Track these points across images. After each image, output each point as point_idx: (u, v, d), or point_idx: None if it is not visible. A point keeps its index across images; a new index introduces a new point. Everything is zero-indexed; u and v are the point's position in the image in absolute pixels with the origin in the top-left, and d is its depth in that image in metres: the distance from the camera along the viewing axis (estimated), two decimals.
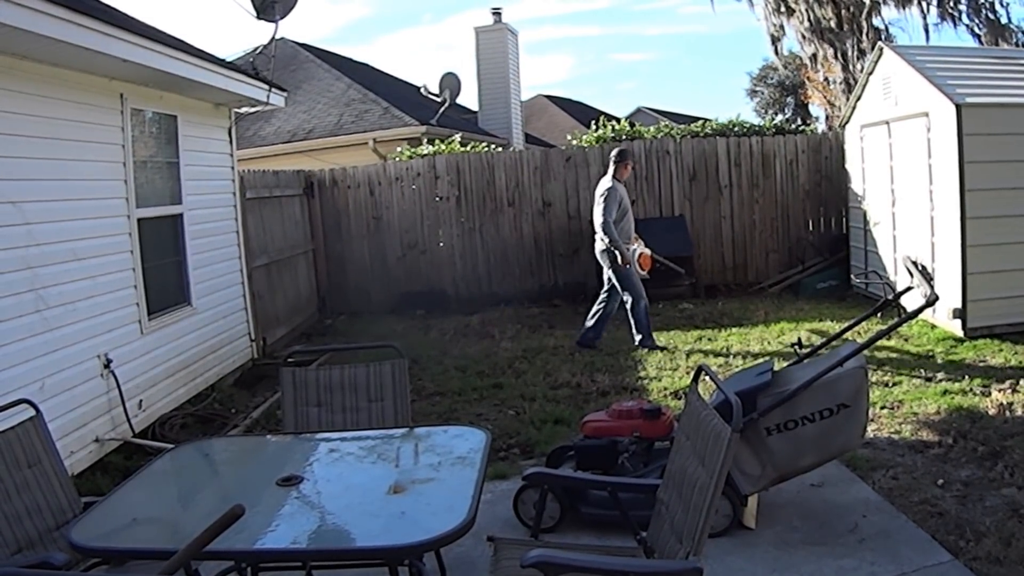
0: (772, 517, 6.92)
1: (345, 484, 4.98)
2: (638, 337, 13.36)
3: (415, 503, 4.62)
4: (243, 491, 4.88)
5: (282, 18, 13.86)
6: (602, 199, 13.05)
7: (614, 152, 13.44)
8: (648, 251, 13.64)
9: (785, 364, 7.77)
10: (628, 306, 13.25)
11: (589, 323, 13.64)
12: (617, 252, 12.91)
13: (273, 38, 14.27)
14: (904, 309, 8.97)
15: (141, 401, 10.29)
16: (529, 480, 5.28)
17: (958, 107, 12.71)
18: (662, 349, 13.13)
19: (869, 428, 8.73)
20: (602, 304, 13.62)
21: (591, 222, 13.66)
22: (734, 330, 14.45)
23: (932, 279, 7.69)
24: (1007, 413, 9.46)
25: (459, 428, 6.25)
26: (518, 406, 10.45)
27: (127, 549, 4.40)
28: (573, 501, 6.79)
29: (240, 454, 5.97)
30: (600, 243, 13.23)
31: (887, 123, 15.30)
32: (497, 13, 31.32)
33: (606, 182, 13.26)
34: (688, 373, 11.60)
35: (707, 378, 4.97)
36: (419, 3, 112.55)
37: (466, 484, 4.57)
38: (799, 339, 7.93)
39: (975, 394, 10.24)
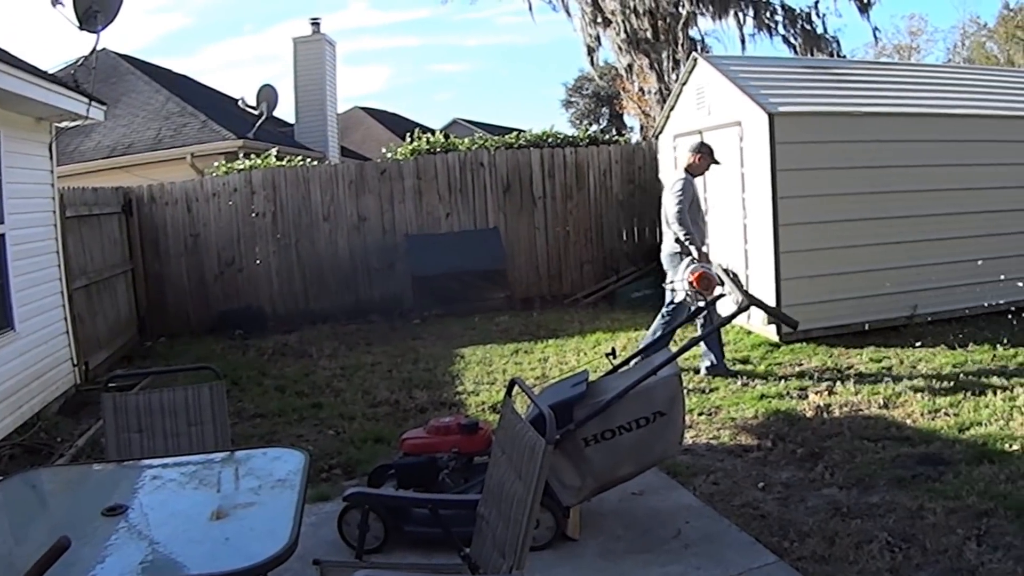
0: (596, 527, 6.92)
1: (169, 511, 4.84)
2: (710, 358, 11.87)
3: (238, 528, 4.52)
4: (71, 523, 4.70)
5: (104, 28, 13.53)
6: (677, 191, 11.69)
7: (694, 143, 12.40)
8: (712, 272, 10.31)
9: (601, 374, 7.80)
10: (665, 316, 11.95)
11: (708, 354, 11.90)
12: (694, 249, 11.46)
13: (95, 49, 13.93)
14: (718, 316, 9.10)
15: None
16: (350, 500, 5.25)
17: (771, 116, 12.97)
18: (734, 375, 11.81)
19: (687, 435, 8.84)
20: (698, 326, 11.98)
21: (665, 217, 12.08)
22: (550, 342, 14.48)
23: (742, 285, 7.79)
24: (824, 415, 9.70)
25: (278, 450, 6.12)
26: (338, 425, 10.31)
27: None
28: (397, 520, 6.67)
29: (66, 485, 5.75)
30: (667, 243, 12.08)
31: (700, 133, 15.47)
32: (316, 23, 31.03)
33: (679, 174, 12.08)
34: (505, 387, 11.54)
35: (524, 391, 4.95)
36: (240, 13, 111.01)
37: (287, 507, 4.48)
38: (612, 349, 7.97)
39: (792, 397, 10.47)
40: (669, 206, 11.75)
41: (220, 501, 4.94)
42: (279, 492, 4.90)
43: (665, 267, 12.08)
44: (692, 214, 11.64)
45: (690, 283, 9.98)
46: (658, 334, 11.59)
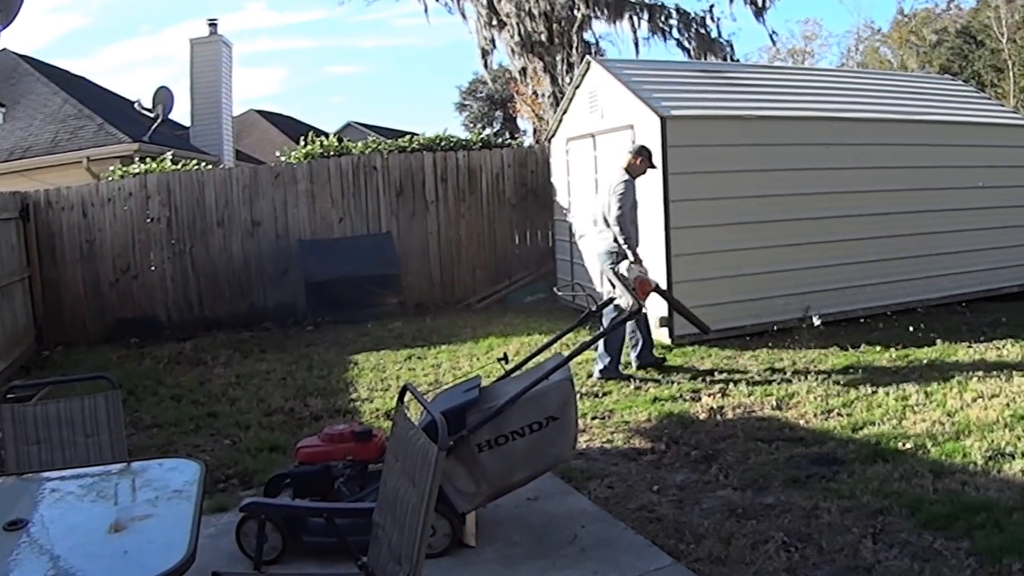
0: (492, 534, 6.92)
1: (69, 525, 4.77)
2: (605, 361, 11.92)
3: (136, 541, 4.46)
4: None
5: (5, 28, 13.33)
6: (619, 192, 11.67)
7: (634, 145, 12.40)
8: (652, 280, 11.24)
9: (494, 380, 7.81)
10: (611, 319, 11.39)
11: (603, 357, 11.91)
12: (630, 252, 11.49)
13: None
14: (609, 320, 9.15)
15: None
16: (247, 511, 5.21)
17: (663, 119, 13.11)
18: (627, 378, 11.83)
19: (581, 439, 8.95)
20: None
21: (605, 219, 11.97)
22: (444, 347, 14.44)
23: (633, 289, 7.83)
24: (717, 417, 9.79)
25: (174, 461, 6.02)
26: (234, 435, 10.18)
27: None
28: (294, 530, 6.61)
29: None
30: (603, 242, 11.96)
31: (593, 136, 15.59)
32: (213, 24, 30.70)
33: (620, 175, 11.92)
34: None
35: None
36: (138, 14, 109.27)
37: (183, 519, 4.44)
38: (505, 354, 7.98)
39: (685, 400, 10.54)
40: (610, 207, 11.73)
41: (118, 514, 4.90)
42: (176, 503, 4.84)
43: (600, 264, 12.10)
44: (631, 215, 11.69)
45: (633, 289, 9.79)
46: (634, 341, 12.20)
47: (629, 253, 11.52)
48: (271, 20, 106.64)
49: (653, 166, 12.17)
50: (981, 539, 6.28)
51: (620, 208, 11.59)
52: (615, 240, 11.68)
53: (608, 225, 11.78)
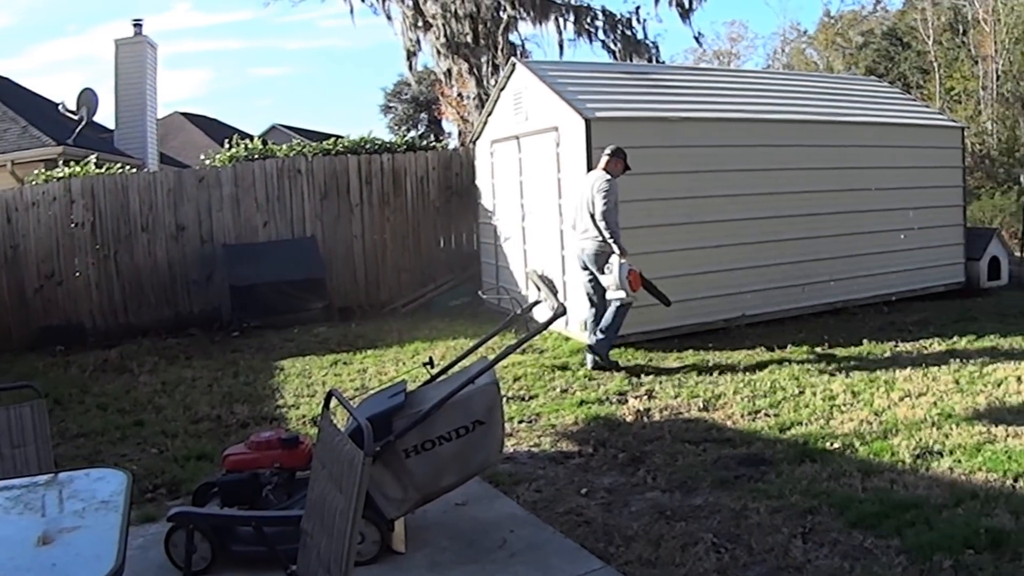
0: (421, 539, 6.89)
1: None
2: (594, 344, 12.40)
3: (64, 554, 4.37)
4: None
5: None
6: (603, 190, 11.92)
7: (610, 147, 12.43)
8: (638, 269, 11.96)
9: (419, 384, 7.81)
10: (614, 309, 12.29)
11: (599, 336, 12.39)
12: (617, 247, 11.79)
13: None
14: (536, 322, 9.17)
15: None
16: (175, 520, 5.16)
17: (587, 121, 13.12)
18: (619, 369, 12.33)
19: (508, 443, 8.94)
20: (598, 308, 12.54)
21: (573, 226, 12.62)
22: (369, 352, 14.36)
23: (557, 291, 7.85)
24: (644, 419, 9.81)
25: (100, 471, 5.93)
26: (161, 443, 10.03)
27: None
28: (223, 539, 6.52)
29: None
30: (591, 242, 12.20)
31: (517, 138, 15.59)
32: (138, 25, 30.05)
33: (603, 175, 12.19)
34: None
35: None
36: (64, 13, 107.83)
37: (111, 530, 4.38)
38: (430, 358, 7.97)
39: (612, 403, 10.59)
40: (596, 206, 11.92)
41: (45, 525, 4.82)
42: (103, 514, 4.77)
43: (589, 264, 12.32)
44: (615, 213, 11.97)
45: (629, 282, 11.53)
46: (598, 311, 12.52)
47: (616, 248, 11.77)
48: (197, 21, 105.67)
49: (629, 167, 12.38)
50: (911, 537, 6.35)
51: (606, 205, 11.82)
52: (601, 238, 11.94)
53: (594, 224, 12.00)
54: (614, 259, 11.82)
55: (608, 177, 12.11)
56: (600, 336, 12.32)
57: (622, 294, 11.82)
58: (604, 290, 12.24)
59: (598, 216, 11.90)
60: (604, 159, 12.32)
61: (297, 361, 13.97)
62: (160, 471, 8.93)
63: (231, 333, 16.65)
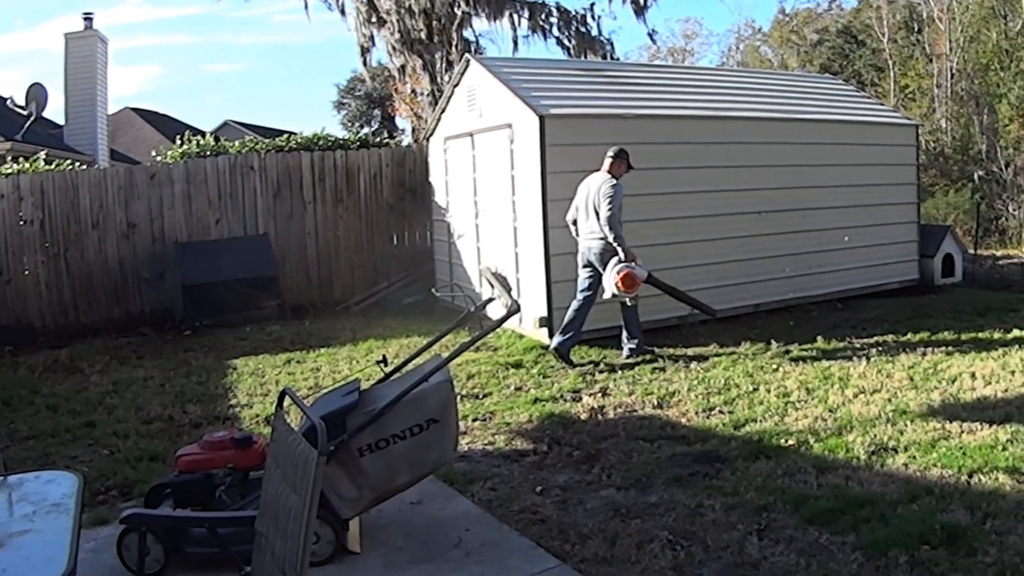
0: (376, 539, 6.88)
1: None
2: (631, 345, 12.84)
3: (15, 558, 4.31)
4: None
5: None
6: (608, 195, 12.26)
7: (613, 149, 12.71)
8: (642, 273, 12.39)
9: (373, 382, 7.77)
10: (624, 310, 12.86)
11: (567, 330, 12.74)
12: (621, 251, 12.19)
13: None
14: (489, 320, 9.15)
15: None
16: (127, 523, 5.12)
17: (541, 118, 13.12)
18: (652, 352, 12.81)
19: (463, 441, 8.95)
20: (580, 304, 12.80)
21: (574, 221, 12.90)
22: (323, 351, 14.31)
23: (511, 288, 7.84)
24: (599, 416, 9.84)
25: (51, 473, 5.86)
26: (112, 444, 9.90)
27: None
28: (176, 541, 6.47)
29: None
30: (597, 242, 12.50)
31: (471, 135, 15.56)
32: (88, 18, 29.77)
33: (607, 178, 12.50)
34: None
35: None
36: (13, 6, 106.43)
37: (62, 533, 4.33)
38: (384, 356, 7.93)
39: (566, 400, 10.60)
40: (601, 211, 12.21)
41: None
42: (54, 518, 4.72)
43: (594, 262, 12.57)
44: (619, 215, 12.27)
45: (616, 284, 11.95)
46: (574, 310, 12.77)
47: (620, 251, 12.11)
48: (148, 15, 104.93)
49: (631, 167, 12.66)
50: (867, 533, 6.40)
51: (610, 210, 12.12)
52: (606, 239, 12.24)
53: (601, 226, 12.26)
54: (613, 260, 12.16)
55: (613, 181, 12.36)
56: (632, 342, 12.75)
57: (609, 294, 12.22)
58: (588, 289, 12.71)
59: (603, 221, 12.18)
60: (607, 161, 12.57)
61: (250, 360, 13.88)
62: (112, 473, 8.84)
63: (183, 332, 16.53)
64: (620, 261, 12.13)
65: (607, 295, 12.34)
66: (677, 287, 13.15)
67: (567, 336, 12.54)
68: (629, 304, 12.59)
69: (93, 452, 9.72)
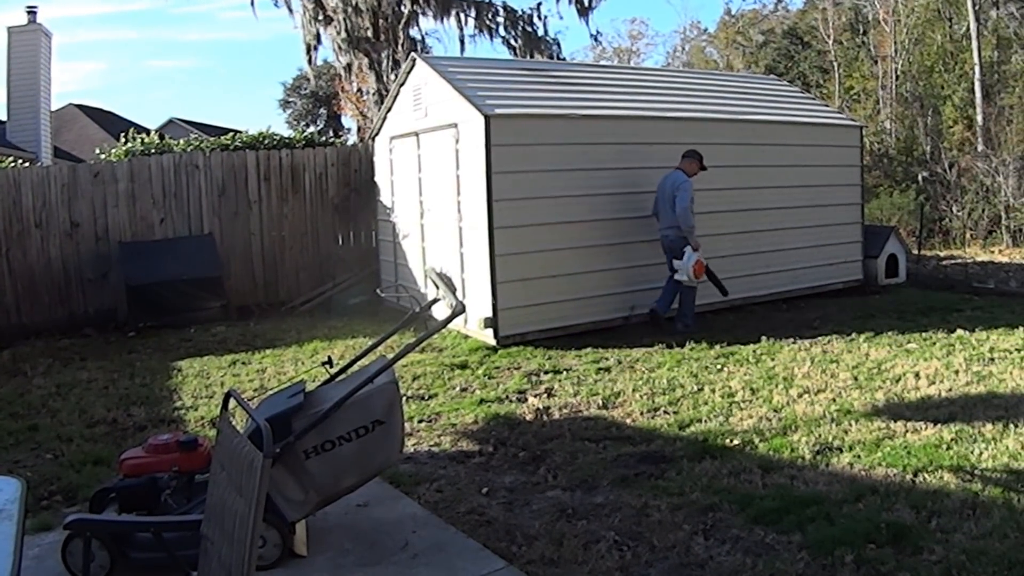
0: (323, 542, 6.85)
1: None
2: (684, 320, 14.24)
3: None
4: None
5: None
6: (683, 189, 13.77)
7: (687, 150, 14.23)
8: (705, 262, 14.05)
9: (318, 384, 7.75)
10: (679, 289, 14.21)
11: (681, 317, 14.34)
12: (691, 240, 13.77)
13: None
14: (435, 321, 9.15)
15: None
16: (71, 528, 5.06)
17: (487, 118, 13.10)
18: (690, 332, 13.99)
19: (408, 443, 8.92)
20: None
21: (655, 214, 14.36)
22: (268, 352, 14.23)
23: (456, 289, 7.83)
24: (544, 417, 9.83)
25: None
26: (56, 448, 9.78)
27: None
28: (122, 547, 6.36)
29: None
30: (671, 231, 13.99)
31: (417, 134, 15.55)
32: (32, 12, 29.55)
33: (681, 175, 14.01)
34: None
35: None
36: None
37: (5, 540, 4.23)
38: (329, 358, 7.91)
39: (512, 401, 10.60)
40: (677, 205, 13.73)
41: None
42: None
43: (667, 251, 14.19)
44: (691, 208, 13.80)
45: (693, 271, 13.71)
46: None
47: (691, 240, 13.76)
48: (93, 9, 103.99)
49: (704, 167, 14.26)
50: (812, 532, 6.43)
51: (683, 204, 13.67)
52: (680, 229, 13.81)
53: (677, 219, 13.79)
54: (688, 249, 13.74)
55: (686, 178, 13.93)
56: (684, 319, 14.21)
57: (685, 278, 13.80)
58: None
59: (679, 211, 13.71)
60: (683, 162, 14.14)
61: (195, 361, 13.76)
62: (55, 477, 8.74)
63: (127, 333, 16.36)
64: (694, 250, 13.70)
65: (680, 278, 13.83)
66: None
67: (681, 315, 14.27)
68: (692, 286, 14.07)
69: (36, 456, 9.62)
